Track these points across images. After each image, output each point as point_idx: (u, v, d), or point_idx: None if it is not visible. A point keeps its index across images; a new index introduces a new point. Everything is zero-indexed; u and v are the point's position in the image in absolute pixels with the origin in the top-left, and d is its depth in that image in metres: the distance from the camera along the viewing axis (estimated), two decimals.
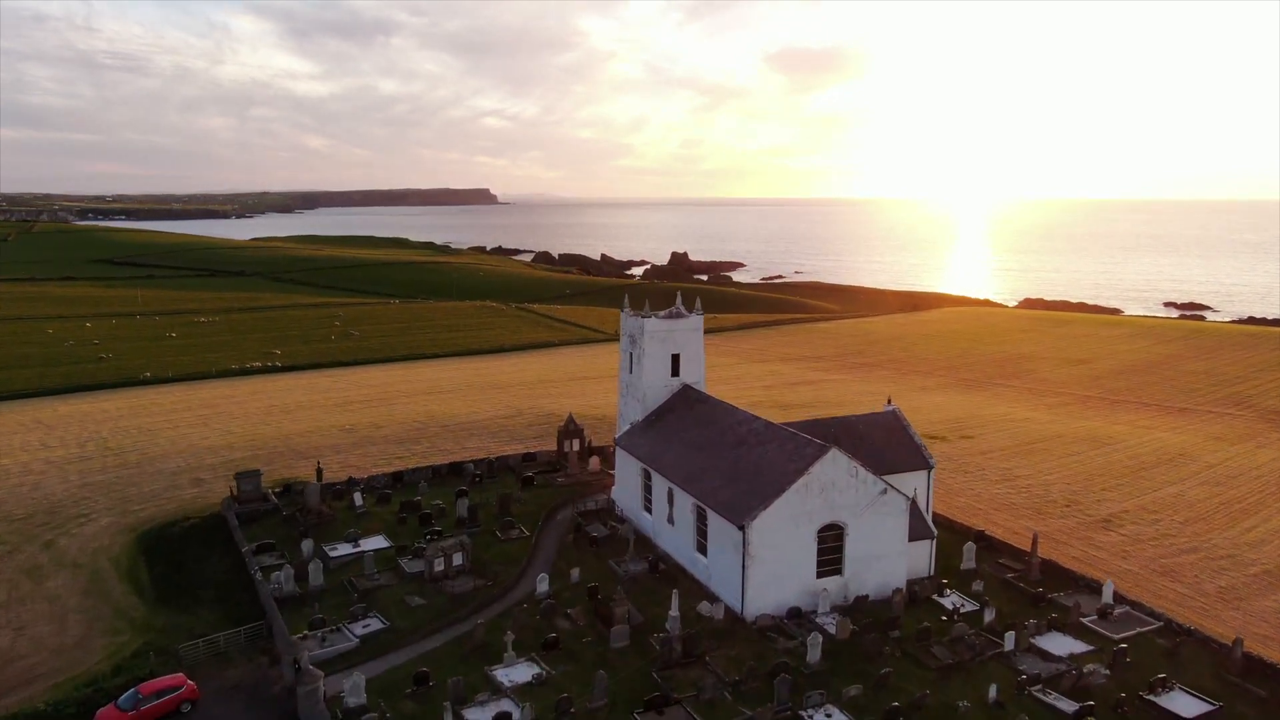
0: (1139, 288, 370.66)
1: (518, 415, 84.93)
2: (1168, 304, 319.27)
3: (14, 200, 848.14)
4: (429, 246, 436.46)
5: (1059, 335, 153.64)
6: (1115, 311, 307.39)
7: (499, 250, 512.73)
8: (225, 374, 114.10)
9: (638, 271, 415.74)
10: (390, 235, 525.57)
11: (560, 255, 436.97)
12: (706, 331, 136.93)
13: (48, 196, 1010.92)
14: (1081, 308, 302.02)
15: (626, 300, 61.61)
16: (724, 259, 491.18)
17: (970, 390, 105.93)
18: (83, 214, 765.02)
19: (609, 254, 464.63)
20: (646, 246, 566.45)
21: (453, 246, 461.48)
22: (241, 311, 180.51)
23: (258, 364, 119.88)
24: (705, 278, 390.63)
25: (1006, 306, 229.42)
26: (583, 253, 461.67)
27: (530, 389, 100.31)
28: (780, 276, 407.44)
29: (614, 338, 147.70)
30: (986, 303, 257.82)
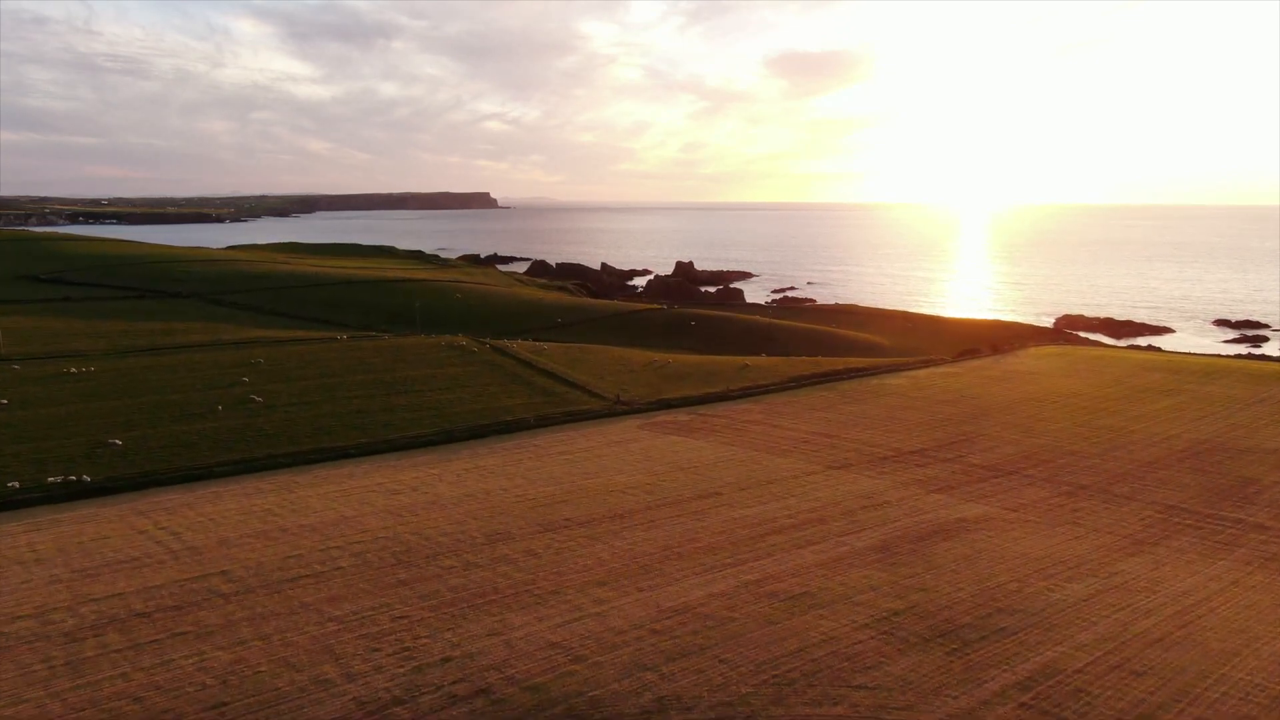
0: (1177, 301, 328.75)
1: (409, 698, 38.26)
2: (1219, 321, 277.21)
3: (8, 203, 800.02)
4: (417, 256, 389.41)
5: (1224, 401, 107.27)
6: (1166, 331, 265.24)
7: (494, 259, 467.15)
8: None
9: (640, 282, 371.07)
10: (384, 241, 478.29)
11: (558, 264, 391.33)
12: (744, 396, 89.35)
13: (44, 200, 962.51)
14: (1129, 326, 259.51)
15: None
16: (730, 268, 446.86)
17: (1258, 560, 58.70)
18: (75, 217, 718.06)
19: (610, 263, 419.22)
20: (647, 254, 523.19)
21: (442, 255, 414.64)
22: (136, 354, 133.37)
23: (58, 478, 73.06)
24: (714, 289, 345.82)
25: (1104, 344, 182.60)
26: (582, 261, 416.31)
27: (464, 569, 53.26)
28: (793, 288, 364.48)
29: (615, 410, 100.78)
30: (1062, 334, 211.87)
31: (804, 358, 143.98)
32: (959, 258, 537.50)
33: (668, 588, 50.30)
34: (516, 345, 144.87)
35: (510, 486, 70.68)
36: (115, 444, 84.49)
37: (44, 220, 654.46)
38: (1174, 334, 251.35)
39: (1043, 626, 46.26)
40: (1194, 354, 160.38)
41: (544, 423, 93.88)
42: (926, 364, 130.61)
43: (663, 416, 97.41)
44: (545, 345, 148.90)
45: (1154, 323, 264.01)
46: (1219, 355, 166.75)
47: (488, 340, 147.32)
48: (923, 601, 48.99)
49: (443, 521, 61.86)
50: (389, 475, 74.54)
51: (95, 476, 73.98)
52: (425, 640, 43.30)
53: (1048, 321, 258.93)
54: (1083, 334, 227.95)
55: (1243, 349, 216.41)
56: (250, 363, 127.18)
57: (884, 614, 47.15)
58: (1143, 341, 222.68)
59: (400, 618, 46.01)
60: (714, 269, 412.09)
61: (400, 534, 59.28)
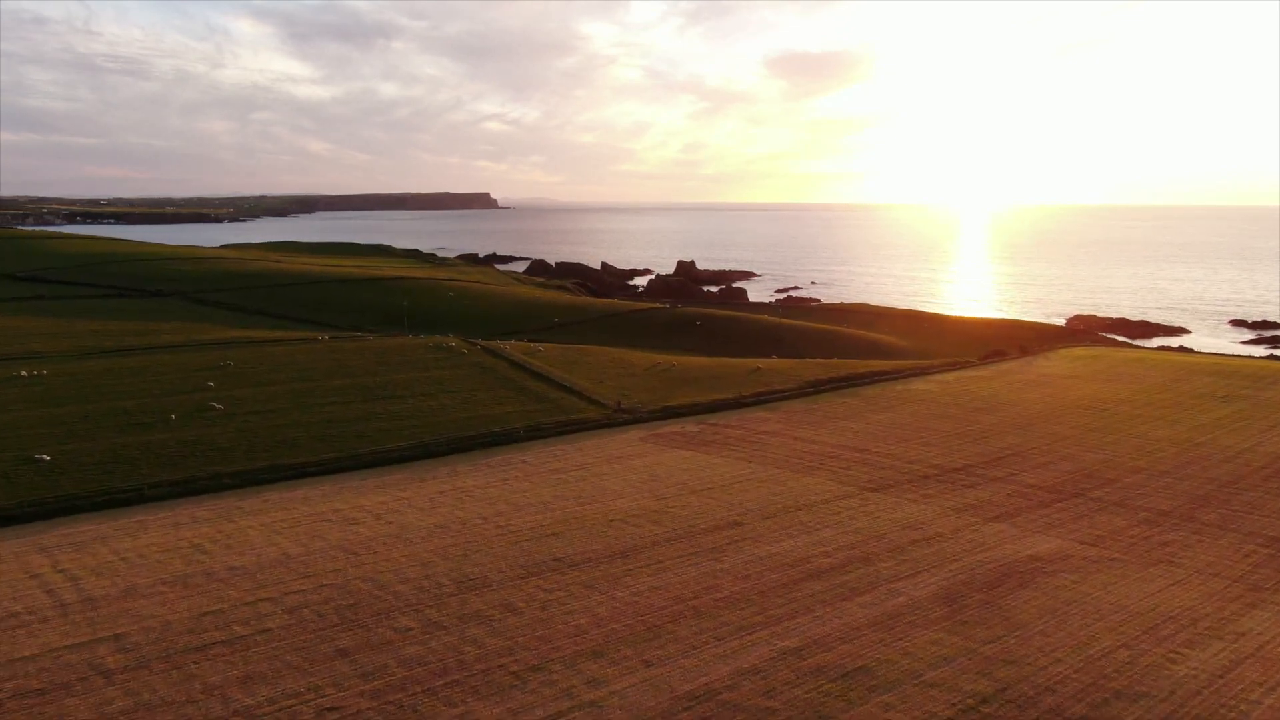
0: (1188, 301, 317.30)
1: None
2: (1235, 322, 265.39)
3: (6, 204, 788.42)
4: (414, 255, 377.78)
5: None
6: (1182, 331, 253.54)
7: (492, 258, 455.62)
8: None
9: (641, 282, 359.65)
10: (381, 241, 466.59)
11: (558, 264, 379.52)
12: (758, 403, 78.16)
13: (44, 200, 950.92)
14: (1144, 326, 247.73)
15: None
16: (732, 267, 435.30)
17: None
18: (72, 217, 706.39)
19: (610, 262, 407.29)
20: (648, 254, 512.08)
21: (440, 255, 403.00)
22: (100, 356, 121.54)
23: None
24: (716, 289, 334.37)
25: (1134, 346, 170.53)
26: (582, 261, 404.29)
27: (423, 633, 41.21)
28: (797, 288, 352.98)
29: (616, 420, 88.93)
30: (1086, 334, 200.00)
31: (817, 360, 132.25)
32: (962, 257, 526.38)
33: (683, 660, 38.58)
34: (509, 346, 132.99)
35: (491, 514, 58.86)
36: (43, 460, 72.70)
37: (41, 220, 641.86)
38: (1190, 334, 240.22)
39: None
40: (1234, 355, 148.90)
41: (535, 434, 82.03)
42: (953, 366, 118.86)
43: (669, 426, 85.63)
44: (540, 346, 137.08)
45: (1168, 323, 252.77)
46: (1255, 357, 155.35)
47: (479, 341, 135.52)
48: (1015, 680, 37.20)
49: (405, 562, 50.05)
50: (350, 499, 62.71)
51: (5, 502, 62.21)
52: None
53: (1059, 321, 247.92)
54: (1098, 334, 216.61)
55: (1263, 350, 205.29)
56: (218, 365, 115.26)
57: (969, 701, 35.38)
58: (1159, 342, 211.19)
59: (330, 709, 34.23)
60: (716, 269, 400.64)
61: (351, 580, 47.49)
